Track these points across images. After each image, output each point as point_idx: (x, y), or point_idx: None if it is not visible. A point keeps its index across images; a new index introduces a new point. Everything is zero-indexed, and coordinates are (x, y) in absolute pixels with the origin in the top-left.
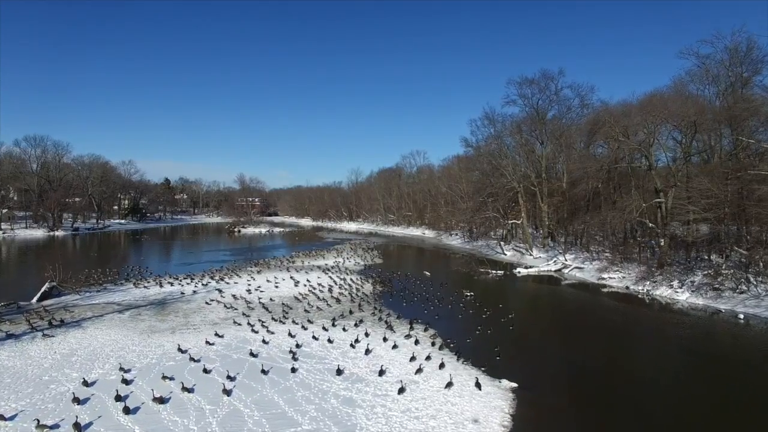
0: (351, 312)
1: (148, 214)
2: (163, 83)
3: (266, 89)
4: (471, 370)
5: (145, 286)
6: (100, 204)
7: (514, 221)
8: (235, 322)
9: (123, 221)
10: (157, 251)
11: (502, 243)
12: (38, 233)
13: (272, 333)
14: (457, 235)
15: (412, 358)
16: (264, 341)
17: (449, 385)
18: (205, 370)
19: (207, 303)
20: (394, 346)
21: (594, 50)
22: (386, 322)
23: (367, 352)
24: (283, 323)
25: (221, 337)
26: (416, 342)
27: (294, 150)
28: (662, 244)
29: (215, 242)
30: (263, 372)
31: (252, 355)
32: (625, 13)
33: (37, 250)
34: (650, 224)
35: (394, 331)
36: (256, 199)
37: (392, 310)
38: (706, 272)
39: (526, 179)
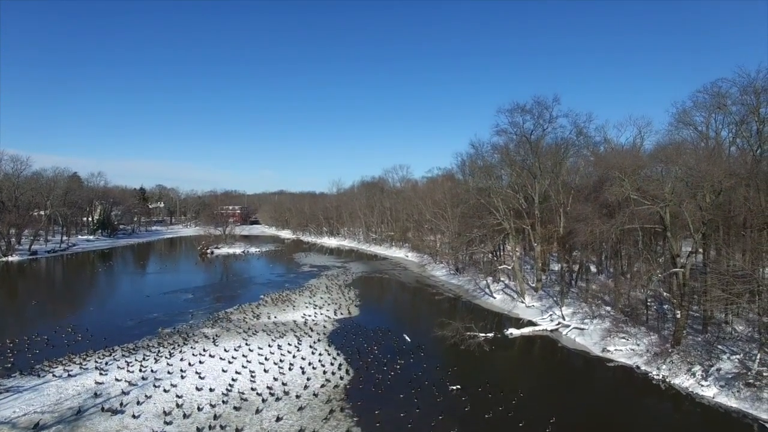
0: None
1: (121, 226)
2: (151, 81)
3: (253, 92)
4: None
5: (44, 380)
6: (66, 220)
7: (504, 266)
8: None
9: (92, 237)
10: (111, 292)
11: (489, 280)
12: None
13: None
14: (442, 264)
15: None
16: None
17: None
18: None
19: None
20: None
21: (588, 73)
22: None
23: None
24: None
25: None
26: None
27: (278, 151)
28: (679, 317)
29: (184, 270)
30: None
31: None
32: (623, 35)
33: None
34: (666, 294)
35: None
36: (237, 208)
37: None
38: (734, 357)
39: (519, 218)
